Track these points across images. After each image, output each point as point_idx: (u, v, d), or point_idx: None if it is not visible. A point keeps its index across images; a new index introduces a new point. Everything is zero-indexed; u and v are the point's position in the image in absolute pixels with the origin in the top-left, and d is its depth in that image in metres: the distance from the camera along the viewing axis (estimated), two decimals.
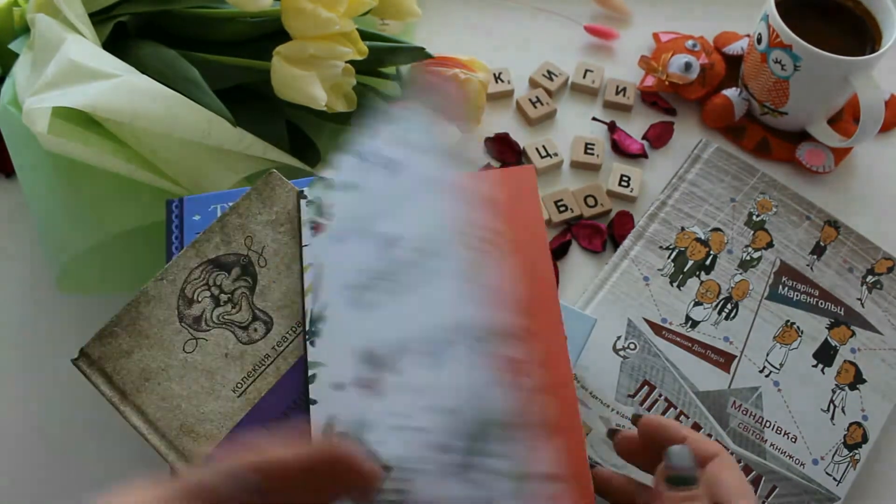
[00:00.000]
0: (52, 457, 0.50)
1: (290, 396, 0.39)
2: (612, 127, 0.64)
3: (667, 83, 0.64)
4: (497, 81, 0.66)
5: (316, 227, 0.41)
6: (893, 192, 0.62)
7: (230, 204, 0.43)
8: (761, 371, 0.52)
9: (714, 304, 0.54)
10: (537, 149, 0.62)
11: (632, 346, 0.52)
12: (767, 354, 0.52)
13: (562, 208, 0.59)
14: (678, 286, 0.54)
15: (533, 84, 0.66)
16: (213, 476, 0.27)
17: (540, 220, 0.44)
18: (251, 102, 0.52)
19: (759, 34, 0.59)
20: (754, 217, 0.57)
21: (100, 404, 0.40)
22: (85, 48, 0.46)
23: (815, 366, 0.52)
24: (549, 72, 0.66)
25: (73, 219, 0.48)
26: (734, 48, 0.67)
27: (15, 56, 0.52)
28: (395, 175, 0.40)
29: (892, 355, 0.53)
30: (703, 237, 0.56)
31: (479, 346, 0.37)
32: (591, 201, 0.60)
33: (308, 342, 0.38)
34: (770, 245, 0.56)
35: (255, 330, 0.40)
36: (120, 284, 0.52)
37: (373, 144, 0.41)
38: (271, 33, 0.51)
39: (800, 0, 0.59)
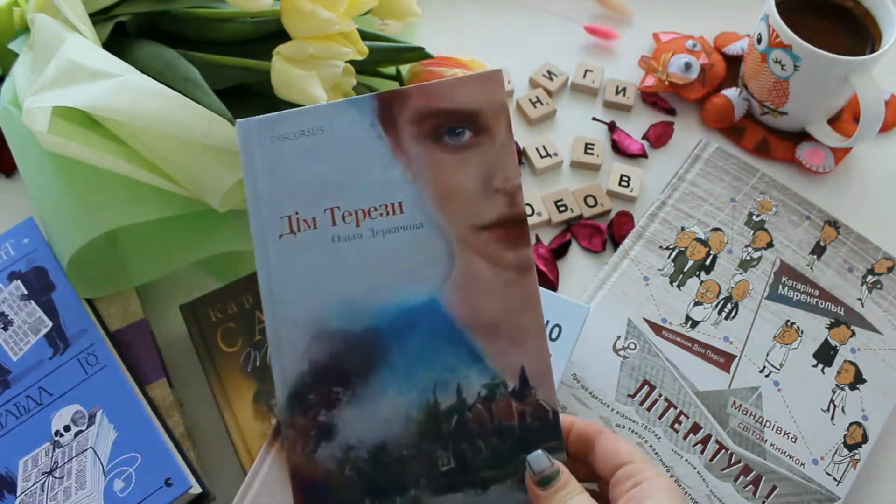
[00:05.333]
0: None
1: None
2: (612, 127, 0.64)
3: (667, 83, 0.64)
4: None
5: None
6: (893, 192, 0.62)
7: None
8: (761, 371, 0.52)
9: (714, 303, 0.54)
10: (537, 149, 0.62)
11: (632, 346, 0.52)
12: (767, 354, 0.52)
13: (562, 208, 0.59)
14: (678, 286, 0.54)
15: (533, 84, 0.66)
16: None
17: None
18: (251, 102, 0.52)
19: (759, 34, 0.59)
20: (754, 217, 0.57)
21: None
22: (85, 48, 0.46)
23: (815, 366, 0.52)
24: (549, 72, 0.66)
25: (75, 217, 0.48)
26: (734, 48, 0.67)
27: (15, 56, 0.52)
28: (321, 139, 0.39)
29: (892, 355, 0.53)
30: (703, 237, 0.56)
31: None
32: (591, 201, 0.60)
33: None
34: (770, 245, 0.56)
35: None
36: (120, 284, 0.52)
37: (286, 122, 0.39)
38: (271, 33, 0.51)
39: (800, 0, 0.60)
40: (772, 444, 0.49)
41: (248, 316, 0.50)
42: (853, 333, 0.53)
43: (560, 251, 0.58)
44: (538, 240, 0.58)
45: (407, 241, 0.37)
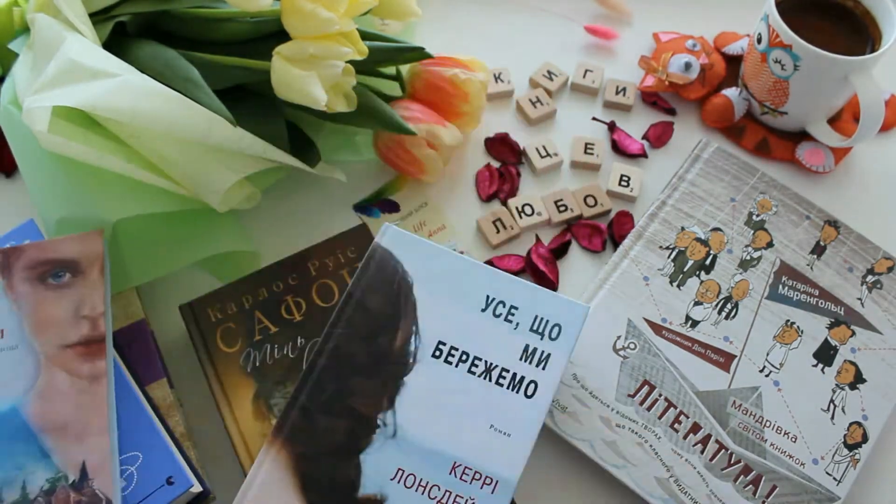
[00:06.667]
0: None
1: None
2: (612, 127, 0.64)
3: (667, 83, 0.64)
4: (497, 81, 0.66)
5: None
6: (893, 192, 0.63)
7: None
8: (761, 371, 0.52)
9: (714, 303, 0.54)
10: (537, 149, 0.62)
11: (632, 345, 0.52)
12: (767, 354, 0.52)
13: (562, 208, 0.59)
14: (678, 286, 0.54)
15: (533, 84, 0.66)
16: None
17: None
18: (251, 102, 0.52)
19: (759, 34, 0.59)
20: (754, 217, 0.57)
21: None
22: (85, 48, 0.46)
23: (815, 365, 0.52)
24: (549, 72, 0.66)
25: (76, 217, 0.48)
26: (734, 48, 0.67)
27: (15, 56, 0.52)
28: None
29: (892, 355, 0.53)
30: (702, 237, 0.56)
31: None
32: (591, 201, 0.60)
33: None
34: (770, 245, 0.56)
35: None
36: (120, 284, 0.52)
37: None
38: (271, 33, 0.51)
39: (800, 0, 0.60)
40: (772, 444, 0.49)
41: (247, 316, 0.50)
42: (853, 333, 0.53)
43: (560, 251, 0.58)
44: (538, 240, 0.58)
45: (4, 360, 0.45)
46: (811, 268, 0.56)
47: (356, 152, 0.60)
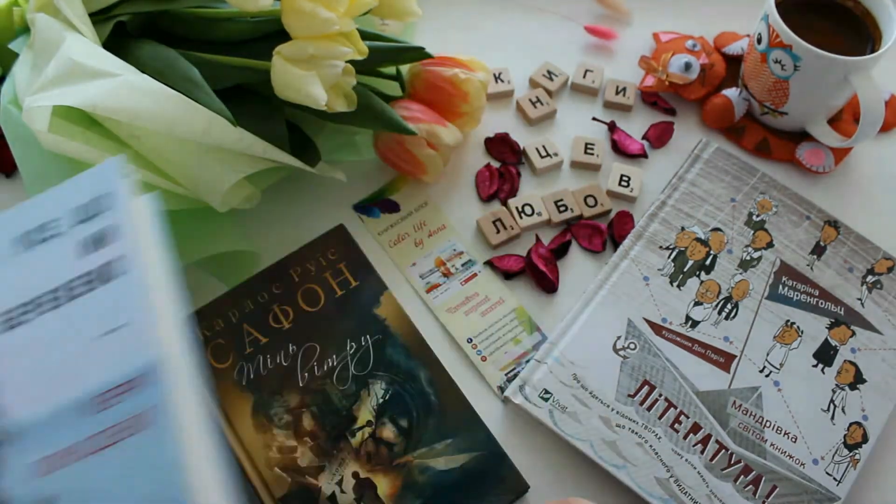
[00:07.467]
0: None
1: None
2: (612, 127, 0.64)
3: (667, 83, 0.64)
4: (497, 81, 0.66)
5: None
6: (893, 192, 0.62)
7: None
8: (761, 371, 0.52)
9: (714, 303, 0.54)
10: (537, 149, 0.62)
11: (632, 346, 0.52)
12: (767, 354, 0.52)
13: (562, 208, 0.59)
14: (678, 286, 0.54)
15: (533, 84, 0.66)
16: None
17: None
18: (251, 102, 0.52)
19: (759, 34, 0.59)
20: (754, 217, 0.57)
21: None
22: (85, 47, 0.46)
23: (815, 366, 0.52)
24: (549, 72, 0.66)
25: None
26: (734, 48, 0.67)
27: (15, 56, 0.52)
28: None
29: (892, 355, 0.53)
30: (703, 237, 0.56)
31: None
32: (591, 201, 0.60)
33: None
34: (770, 245, 0.56)
35: None
36: None
37: None
38: (271, 33, 0.51)
39: (800, 0, 0.60)
40: (772, 444, 0.49)
41: (236, 330, 0.50)
42: (853, 333, 0.53)
43: (560, 251, 0.58)
44: (538, 240, 0.58)
45: None
46: (811, 268, 0.56)
47: (356, 152, 0.60)
